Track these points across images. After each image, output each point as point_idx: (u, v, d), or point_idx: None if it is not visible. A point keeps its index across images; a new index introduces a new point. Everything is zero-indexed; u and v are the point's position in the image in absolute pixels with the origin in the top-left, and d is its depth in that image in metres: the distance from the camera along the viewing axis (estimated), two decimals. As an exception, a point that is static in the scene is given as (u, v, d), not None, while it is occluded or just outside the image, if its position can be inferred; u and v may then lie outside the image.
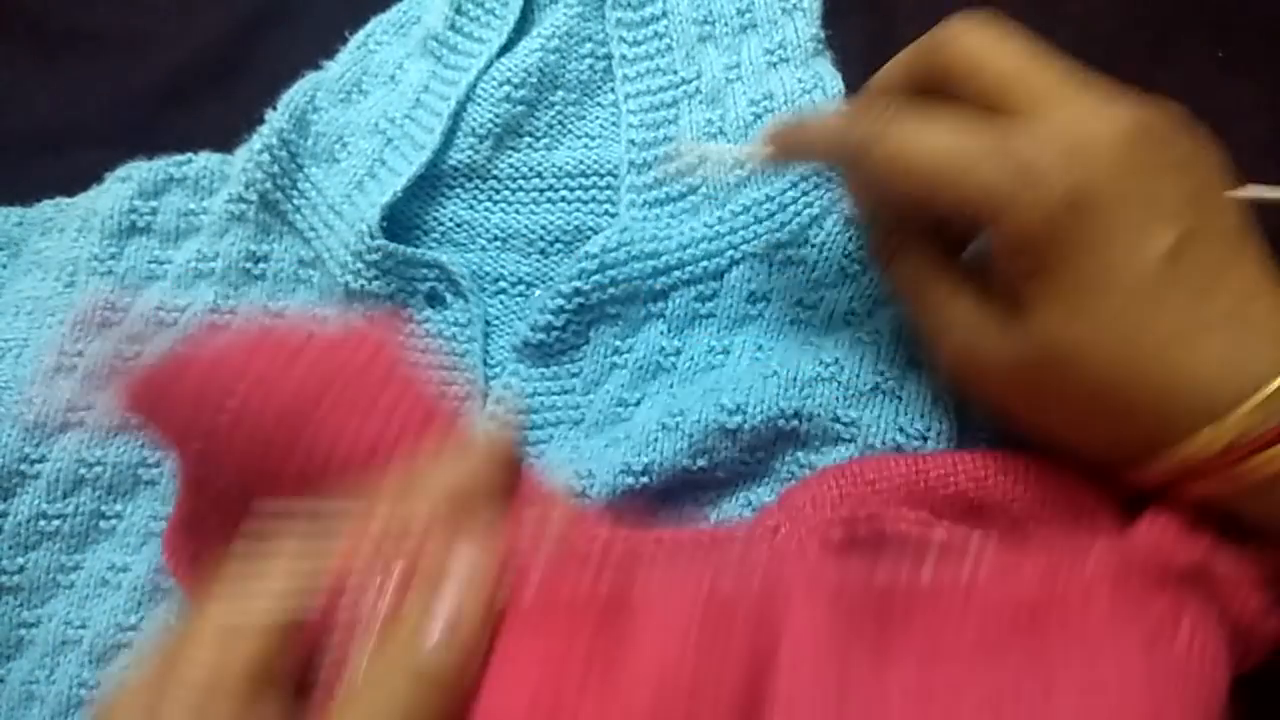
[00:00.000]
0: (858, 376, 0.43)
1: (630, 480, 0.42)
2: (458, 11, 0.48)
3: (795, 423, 0.43)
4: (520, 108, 0.48)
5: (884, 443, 0.43)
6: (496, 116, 0.48)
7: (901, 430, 0.43)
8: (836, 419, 0.43)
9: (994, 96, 0.35)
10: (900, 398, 0.43)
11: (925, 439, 0.42)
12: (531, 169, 0.48)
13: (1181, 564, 0.32)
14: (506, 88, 0.47)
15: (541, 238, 0.48)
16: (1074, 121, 0.34)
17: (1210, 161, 0.35)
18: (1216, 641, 0.32)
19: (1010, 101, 0.35)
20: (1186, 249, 0.33)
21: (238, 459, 0.31)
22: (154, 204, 0.47)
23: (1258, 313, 0.33)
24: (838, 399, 0.43)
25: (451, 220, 0.49)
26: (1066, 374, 0.35)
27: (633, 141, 0.47)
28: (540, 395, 0.46)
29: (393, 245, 0.45)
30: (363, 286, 0.45)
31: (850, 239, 0.45)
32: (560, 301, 0.45)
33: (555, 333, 0.45)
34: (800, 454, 0.43)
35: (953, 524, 0.36)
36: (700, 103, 0.47)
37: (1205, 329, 0.33)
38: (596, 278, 0.44)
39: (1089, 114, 0.34)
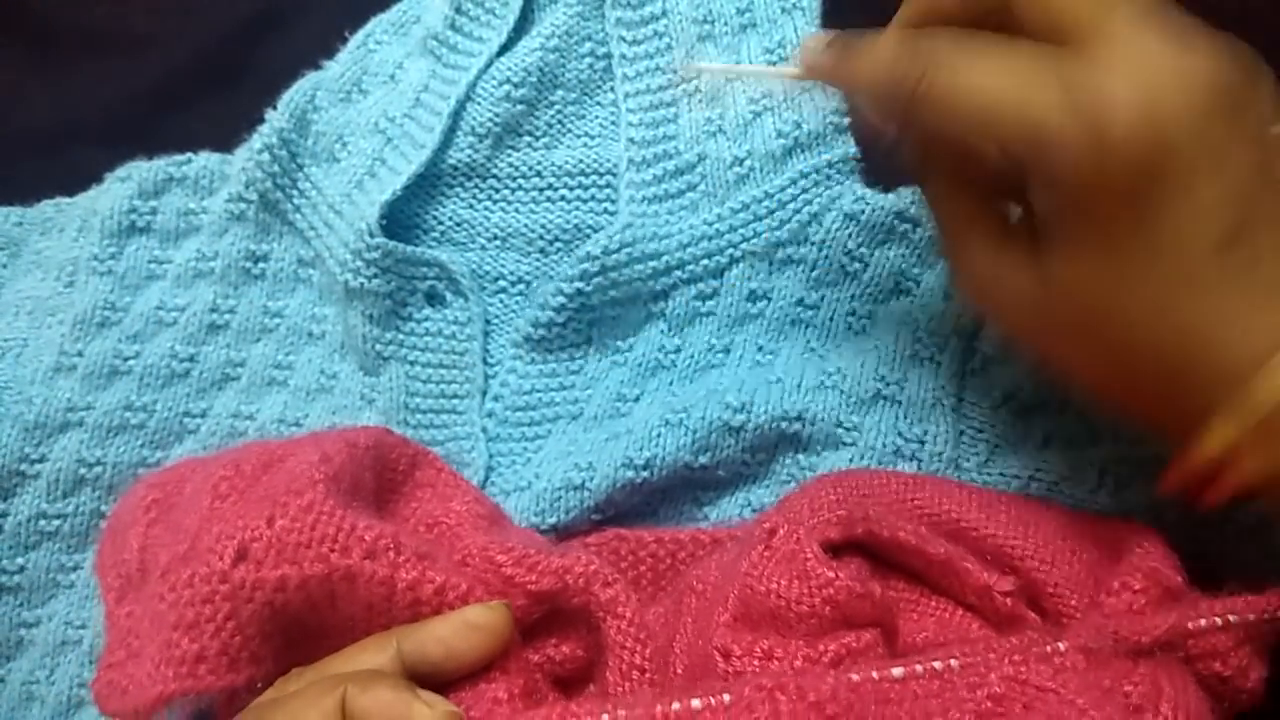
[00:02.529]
0: (859, 384, 0.43)
1: (631, 474, 0.42)
2: (458, 11, 0.48)
3: (798, 425, 0.43)
4: (520, 107, 0.48)
5: (884, 446, 0.43)
6: (496, 116, 0.47)
7: (900, 435, 0.43)
8: (839, 423, 0.43)
9: (1058, 25, 0.32)
10: (900, 403, 0.43)
11: (923, 443, 0.43)
12: (531, 168, 0.48)
13: (1156, 635, 0.32)
14: (506, 87, 0.47)
15: (541, 237, 0.48)
16: (1148, 67, 0.30)
17: (1273, 128, 0.32)
18: (1199, 704, 0.32)
19: (1077, 32, 0.31)
20: (1237, 237, 0.31)
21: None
22: (154, 204, 0.47)
23: None
24: (840, 405, 0.43)
25: (451, 219, 0.49)
26: (1082, 315, 0.33)
27: (632, 140, 0.47)
28: (539, 390, 0.46)
29: (392, 244, 0.45)
30: (362, 285, 0.45)
31: (850, 237, 0.45)
32: (562, 299, 0.45)
33: (556, 329, 0.46)
34: (801, 457, 0.44)
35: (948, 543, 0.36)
36: (700, 102, 0.47)
37: (1236, 315, 0.31)
38: (598, 279, 0.45)
39: (1166, 59, 0.30)
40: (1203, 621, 0.33)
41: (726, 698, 0.30)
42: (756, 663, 0.34)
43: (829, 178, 0.46)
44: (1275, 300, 0.31)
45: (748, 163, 0.46)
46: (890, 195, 0.45)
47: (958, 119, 0.33)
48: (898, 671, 0.31)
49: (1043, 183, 0.33)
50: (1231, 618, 0.33)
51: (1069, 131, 0.30)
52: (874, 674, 0.31)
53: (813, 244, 0.45)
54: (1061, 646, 0.32)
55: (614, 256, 0.44)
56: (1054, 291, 0.33)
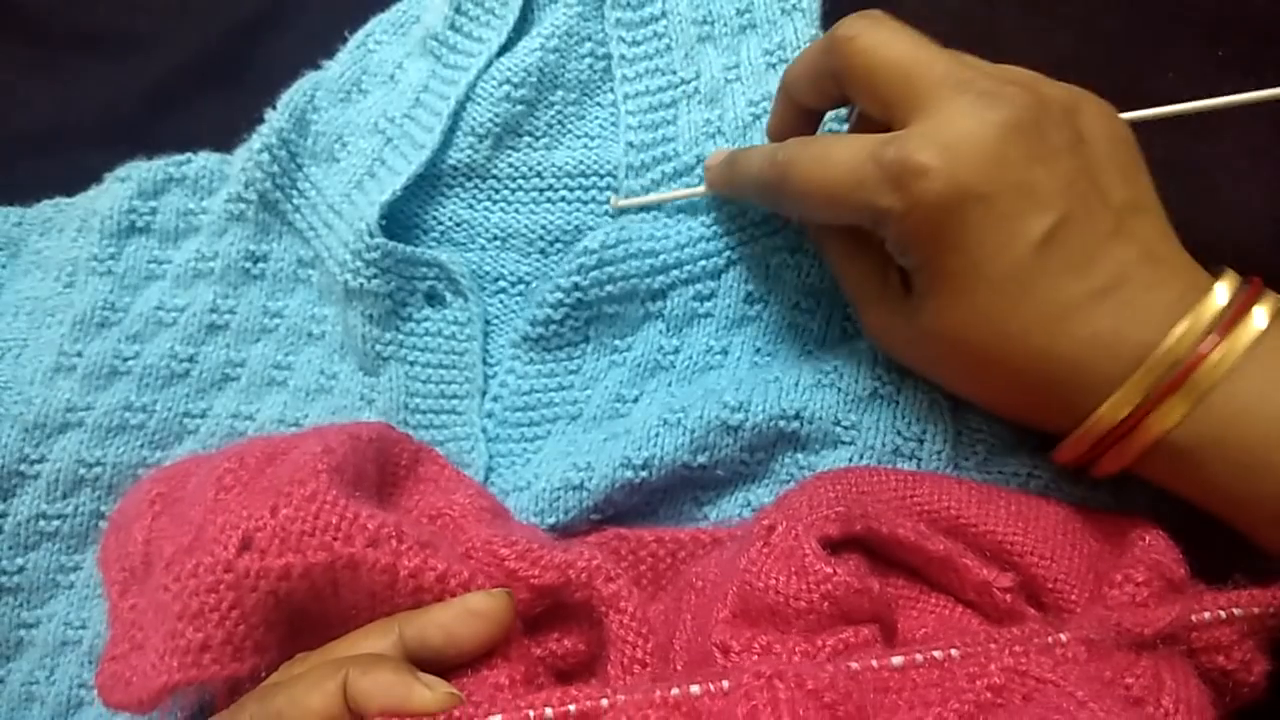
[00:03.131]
0: (856, 382, 0.43)
1: (630, 474, 0.42)
2: (457, 11, 0.48)
3: (796, 424, 0.43)
4: (520, 107, 0.48)
5: (882, 445, 0.43)
6: (496, 116, 0.48)
7: (899, 434, 0.43)
8: (837, 422, 0.43)
9: (886, 99, 0.37)
10: (897, 402, 0.43)
11: (921, 442, 0.43)
12: (531, 169, 0.48)
13: (1158, 628, 0.33)
14: (506, 87, 0.47)
15: (541, 237, 0.48)
16: (947, 123, 0.35)
17: (1102, 141, 0.36)
18: (1200, 697, 0.32)
19: (900, 104, 0.36)
20: (1060, 234, 0.35)
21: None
22: (153, 204, 0.47)
23: (1134, 288, 0.35)
24: (838, 403, 0.43)
25: (451, 219, 0.49)
26: (953, 354, 0.38)
27: (631, 144, 0.47)
28: (539, 391, 0.46)
29: (392, 244, 0.45)
30: (362, 285, 0.45)
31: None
32: (559, 295, 0.45)
33: (554, 326, 0.46)
34: (799, 456, 0.44)
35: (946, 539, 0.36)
36: (699, 103, 0.47)
37: (1077, 309, 0.35)
38: (595, 274, 0.45)
39: (963, 113, 0.35)
40: (1206, 614, 0.33)
41: (725, 684, 0.30)
42: (755, 659, 0.34)
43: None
44: (1124, 289, 0.34)
45: (747, 164, 0.46)
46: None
47: (814, 208, 0.39)
48: (897, 660, 0.32)
49: (891, 248, 0.38)
50: (1235, 611, 0.33)
51: (889, 200, 0.35)
52: (873, 663, 0.31)
53: (808, 249, 0.46)
54: (1063, 638, 0.32)
55: (611, 252, 0.44)
56: (929, 337, 0.38)
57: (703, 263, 0.46)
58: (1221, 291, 0.35)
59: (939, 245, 0.36)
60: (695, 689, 0.30)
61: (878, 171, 0.35)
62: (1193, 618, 0.33)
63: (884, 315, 0.41)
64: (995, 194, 0.34)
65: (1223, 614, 0.33)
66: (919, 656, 0.32)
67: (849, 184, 0.36)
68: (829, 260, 0.44)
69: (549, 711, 0.30)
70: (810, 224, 0.44)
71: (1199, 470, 0.35)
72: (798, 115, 0.43)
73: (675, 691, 0.30)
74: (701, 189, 0.45)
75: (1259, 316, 0.34)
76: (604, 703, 0.30)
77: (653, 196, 0.46)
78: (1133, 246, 0.35)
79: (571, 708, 0.30)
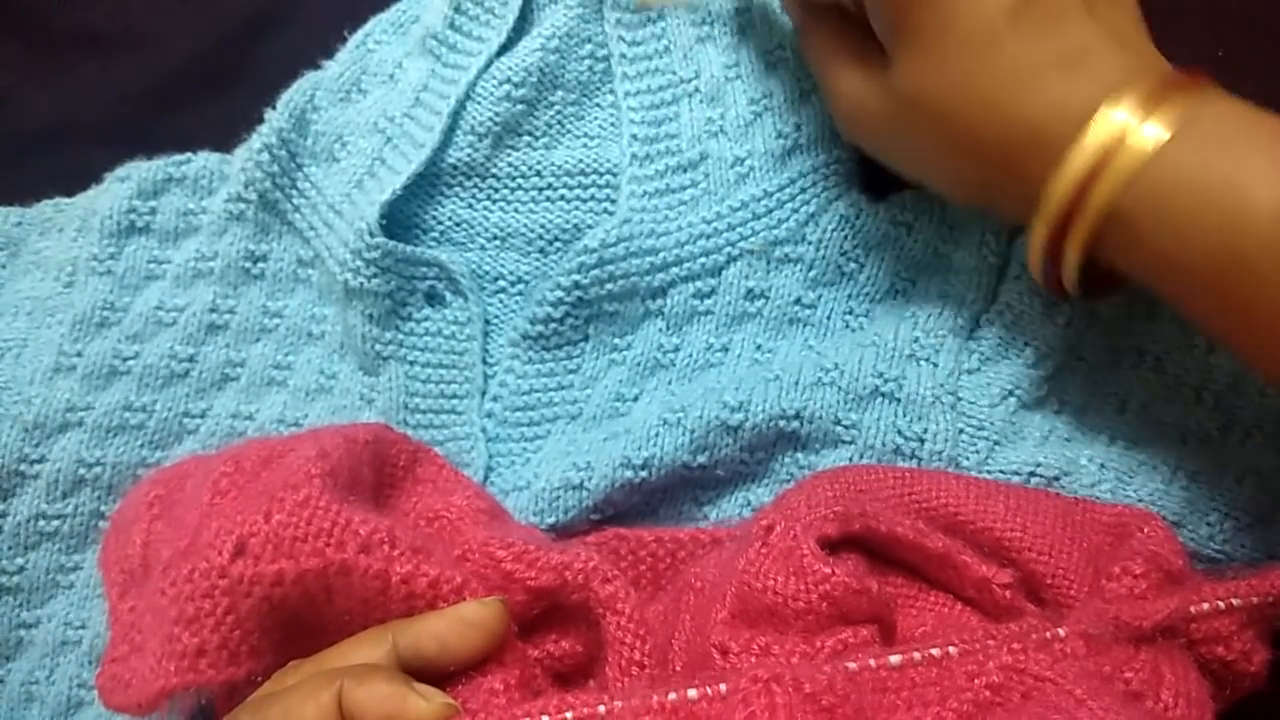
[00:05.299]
0: (857, 380, 0.43)
1: (629, 474, 0.42)
2: (457, 10, 0.48)
3: (796, 424, 0.43)
4: (520, 107, 0.48)
5: (883, 444, 0.43)
6: (496, 115, 0.47)
7: (900, 433, 0.43)
8: (837, 421, 0.43)
9: None
10: (898, 400, 0.43)
11: (922, 441, 0.43)
12: (531, 168, 0.48)
13: (1156, 621, 0.33)
14: (506, 87, 0.47)
15: (540, 236, 0.48)
16: None
17: None
18: (1200, 689, 0.32)
19: None
20: (1032, 1, 0.35)
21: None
22: (153, 204, 0.47)
23: (1093, 61, 0.35)
24: (838, 402, 0.43)
25: (451, 219, 0.49)
26: (921, 118, 0.38)
27: (635, 136, 0.47)
28: (538, 391, 0.46)
29: (392, 243, 0.45)
30: (362, 284, 0.45)
31: (846, 239, 0.46)
32: (559, 294, 0.45)
33: (554, 325, 0.46)
34: (800, 455, 0.44)
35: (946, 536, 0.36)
36: (700, 101, 0.47)
37: (1038, 75, 0.35)
38: (595, 272, 0.45)
39: None
40: (1205, 605, 0.33)
41: (723, 687, 0.30)
42: (754, 660, 0.34)
43: (827, 179, 0.46)
44: (1086, 62, 0.35)
45: (748, 162, 0.46)
46: (884, 201, 0.46)
47: None
48: (895, 660, 0.32)
49: (869, 10, 0.38)
50: (1234, 601, 0.33)
51: None
52: (871, 662, 0.31)
53: (810, 244, 0.46)
54: (1061, 633, 0.32)
55: (611, 250, 0.44)
56: (900, 102, 0.39)
57: (702, 260, 0.46)
58: (1160, 69, 0.35)
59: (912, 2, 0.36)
60: (693, 693, 0.30)
61: None
62: (1191, 609, 0.33)
63: (855, 83, 0.41)
64: None
65: (1221, 604, 0.33)
66: (917, 655, 0.32)
67: None
68: (805, 37, 0.44)
69: (546, 719, 0.30)
70: (793, 9, 0.45)
71: (1147, 243, 0.35)
72: None
73: (673, 696, 0.30)
74: None
75: (1198, 93, 0.34)
76: (601, 709, 0.30)
77: None
78: (1101, 25, 0.36)
79: (569, 715, 0.30)
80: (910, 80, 0.38)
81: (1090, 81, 0.35)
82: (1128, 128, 0.34)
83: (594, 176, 0.48)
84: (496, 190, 0.49)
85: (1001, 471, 0.42)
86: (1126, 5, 0.38)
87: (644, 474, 0.42)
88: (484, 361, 0.47)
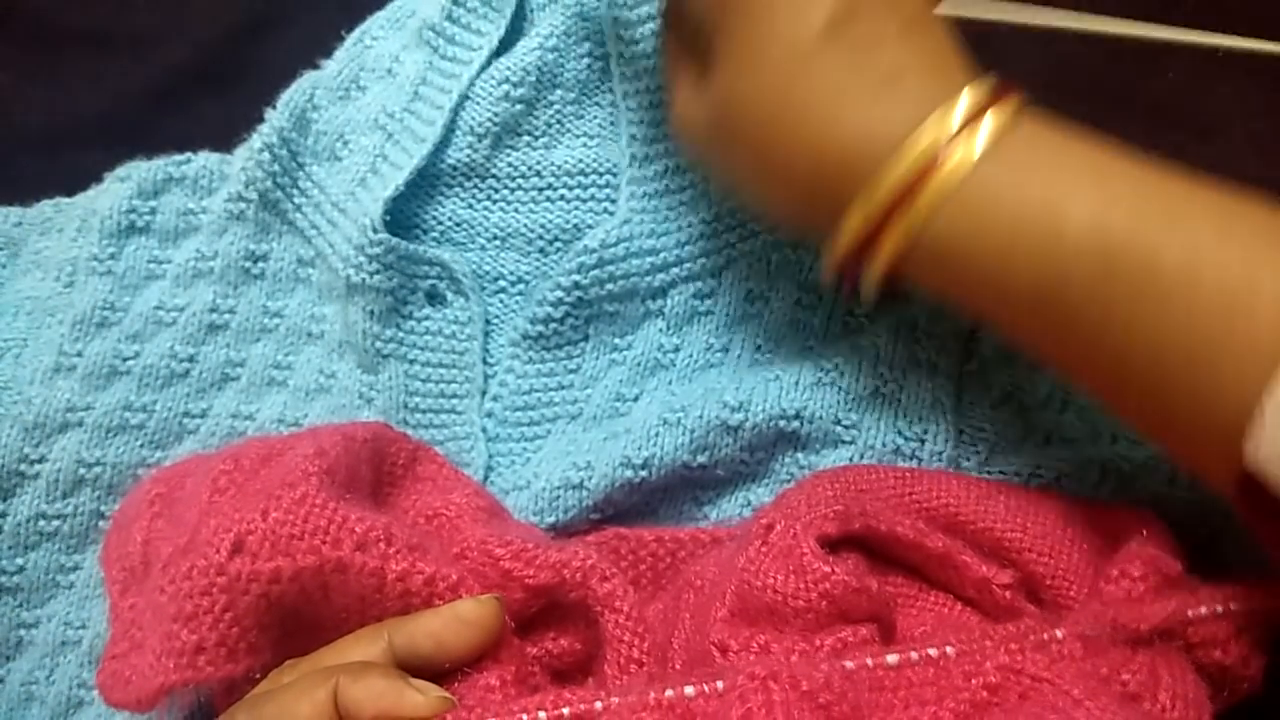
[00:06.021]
0: (857, 381, 0.43)
1: (629, 474, 0.42)
2: (455, 2, 0.48)
3: (796, 424, 0.43)
4: (519, 107, 0.48)
5: (883, 444, 0.43)
6: (495, 115, 0.47)
7: (900, 433, 0.43)
8: (837, 421, 0.43)
9: None
10: (899, 400, 0.43)
11: (922, 441, 0.43)
12: (530, 168, 0.48)
13: (1154, 624, 0.33)
14: (505, 87, 0.47)
15: (540, 236, 0.48)
16: None
17: None
18: (1197, 692, 0.32)
19: None
20: (847, 21, 0.35)
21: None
22: (153, 204, 0.47)
23: (907, 87, 0.35)
24: (838, 402, 0.43)
25: (451, 219, 0.49)
26: (735, 132, 0.38)
27: (635, 136, 0.47)
28: (538, 390, 0.46)
29: (396, 240, 0.45)
30: (364, 280, 0.45)
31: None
32: (560, 294, 0.45)
33: (554, 325, 0.46)
34: (800, 455, 0.44)
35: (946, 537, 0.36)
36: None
37: (852, 98, 0.35)
38: (595, 272, 0.45)
39: None
40: (1203, 609, 0.33)
41: (720, 684, 0.30)
42: (753, 658, 0.34)
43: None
44: (899, 85, 0.35)
45: (748, 162, 0.46)
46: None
47: None
48: (892, 659, 0.32)
49: (699, 19, 0.38)
50: (1232, 605, 0.33)
51: None
52: (868, 661, 0.31)
53: (808, 246, 0.46)
54: (1059, 634, 0.32)
55: (611, 250, 0.44)
56: (712, 108, 0.38)
57: (703, 260, 0.46)
58: (971, 91, 0.35)
59: (736, 9, 0.36)
60: (690, 690, 0.30)
61: None
62: (1189, 613, 0.33)
63: (686, 91, 0.40)
64: None
65: (1219, 609, 0.33)
66: (914, 655, 0.32)
67: None
68: (664, 62, 0.44)
69: (542, 715, 0.30)
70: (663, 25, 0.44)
71: (963, 269, 0.34)
72: None
73: (670, 693, 0.30)
74: None
75: (1000, 113, 0.34)
76: (598, 705, 0.30)
77: None
78: (915, 50, 0.36)
79: (565, 710, 0.30)
80: (725, 90, 0.37)
81: (904, 103, 0.35)
82: (940, 150, 0.33)
83: (594, 176, 0.48)
84: (496, 190, 0.49)
85: (1002, 473, 0.42)
86: (942, 32, 0.37)
87: (644, 474, 0.42)
88: (484, 361, 0.47)
